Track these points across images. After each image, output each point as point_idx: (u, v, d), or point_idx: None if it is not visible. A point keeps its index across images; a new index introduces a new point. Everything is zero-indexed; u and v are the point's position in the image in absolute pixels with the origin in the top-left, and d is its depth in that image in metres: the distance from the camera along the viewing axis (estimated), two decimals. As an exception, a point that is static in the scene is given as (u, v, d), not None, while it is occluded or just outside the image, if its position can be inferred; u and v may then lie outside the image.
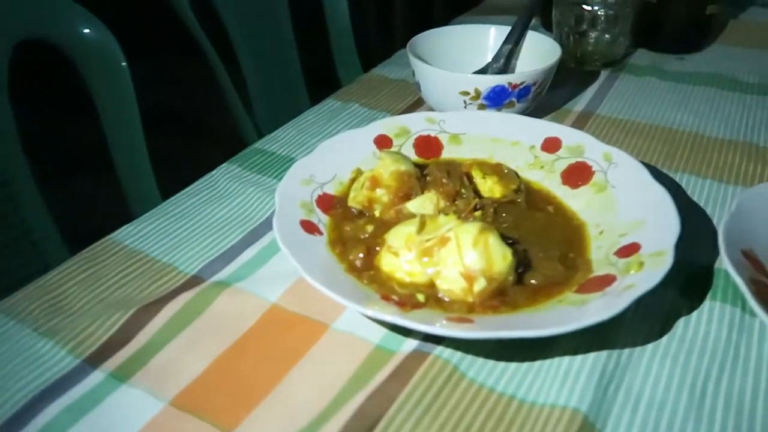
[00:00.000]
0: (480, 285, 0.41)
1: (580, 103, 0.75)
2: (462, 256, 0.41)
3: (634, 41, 0.90)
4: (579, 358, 0.40)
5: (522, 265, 0.44)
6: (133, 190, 0.81)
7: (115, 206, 0.76)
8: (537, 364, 0.40)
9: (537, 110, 0.71)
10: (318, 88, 0.87)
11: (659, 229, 0.44)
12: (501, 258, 0.42)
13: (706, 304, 0.44)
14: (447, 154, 0.58)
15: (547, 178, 0.55)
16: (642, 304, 0.42)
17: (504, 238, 0.46)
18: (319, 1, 1.14)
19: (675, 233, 0.42)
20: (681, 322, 0.43)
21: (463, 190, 0.50)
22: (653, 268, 0.40)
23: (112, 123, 0.79)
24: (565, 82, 0.80)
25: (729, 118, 0.71)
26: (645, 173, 0.50)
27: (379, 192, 0.49)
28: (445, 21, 0.88)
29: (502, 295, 0.42)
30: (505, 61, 0.72)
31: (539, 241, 0.48)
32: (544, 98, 0.74)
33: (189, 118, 1.98)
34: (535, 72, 0.62)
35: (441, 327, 0.37)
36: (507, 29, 0.73)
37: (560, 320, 0.37)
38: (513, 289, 0.43)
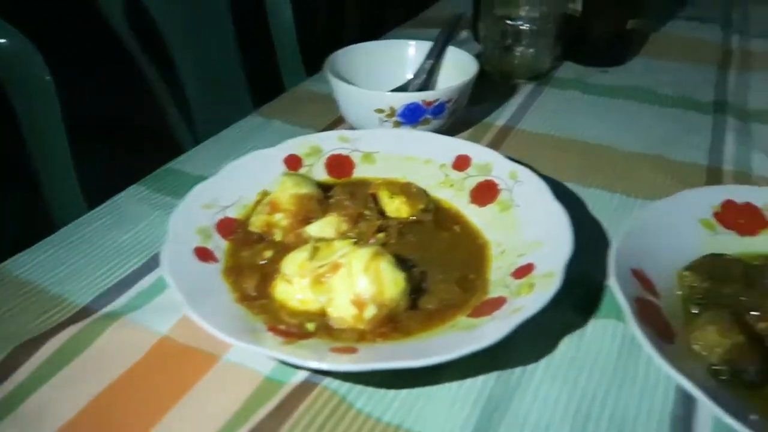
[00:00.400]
0: (370, 312, 0.40)
1: (502, 118, 0.76)
2: (353, 283, 0.41)
3: (563, 54, 0.92)
4: (468, 383, 0.40)
5: (418, 289, 0.44)
6: (60, 209, 0.78)
7: (40, 225, 0.74)
8: (426, 391, 0.39)
9: (457, 125, 0.72)
10: (264, 97, 0.86)
11: (553, 250, 0.44)
12: (393, 284, 0.41)
13: (597, 322, 0.44)
14: (359, 173, 0.58)
15: (456, 197, 0.55)
16: (534, 323, 0.42)
17: (402, 261, 0.45)
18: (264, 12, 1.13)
19: (566, 254, 0.43)
20: (571, 342, 0.43)
21: (366, 212, 0.50)
22: (542, 290, 0.40)
23: (35, 136, 0.76)
24: (490, 96, 0.81)
25: (644, 131, 0.73)
26: (546, 191, 0.50)
27: (277, 216, 0.48)
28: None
29: (393, 322, 0.41)
30: (426, 77, 0.72)
31: (442, 262, 0.48)
32: (465, 112, 0.74)
33: (124, 130, 1.93)
34: (449, 89, 0.62)
35: (313, 359, 0.36)
36: (429, 44, 0.73)
37: (444, 348, 0.37)
38: (406, 315, 0.42)
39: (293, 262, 0.43)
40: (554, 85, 0.85)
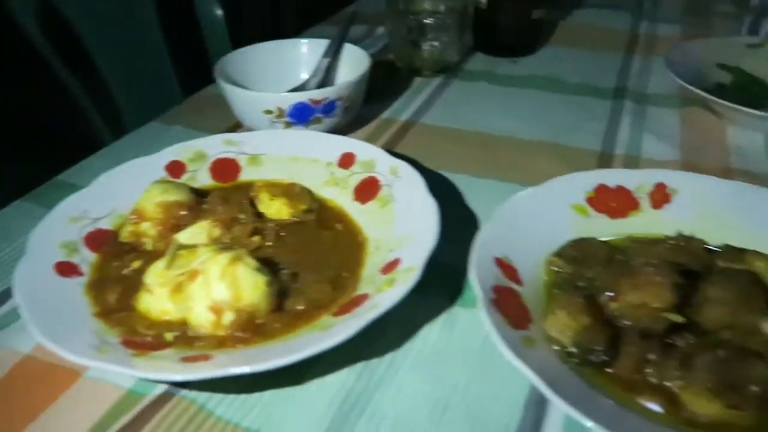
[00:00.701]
0: (228, 318, 0.40)
1: (406, 113, 0.76)
2: (210, 289, 0.40)
3: (474, 46, 0.93)
4: (328, 382, 0.40)
5: (286, 291, 0.44)
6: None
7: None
8: (287, 393, 0.39)
9: (358, 122, 0.72)
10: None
11: (420, 244, 0.44)
12: (251, 288, 0.41)
13: (464, 313, 0.45)
14: (246, 176, 0.57)
15: (340, 195, 0.55)
16: (403, 316, 0.43)
17: (271, 263, 0.45)
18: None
19: (429, 248, 0.43)
20: (439, 333, 0.43)
21: (241, 216, 0.49)
22: (401, 285, 0.40)
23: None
24: (397, 91, 0.81)
25: (546, 120, 0.73)
26: (422, 186, 0.50)
27: (144, 225, 0.47)
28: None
29: (255, 326, 0.41)
30: (324, 75, 0.71)
31: (319, 261, 0.48)
32: (368, 109, 0.74)
33: (38, 137, 1.87)
34: (337, 87, 0.62)
35: (151, 370, 0.36)
36: (326, 42, 0.73)
37: (291, 350, 0.36)
38: (271, 318, 0.42)
39: (154, 272, 0.42)
40: (463, 77, 0.86)
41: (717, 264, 0.44)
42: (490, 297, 0.40)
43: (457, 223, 0.50)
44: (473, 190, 0.60)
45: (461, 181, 0.61)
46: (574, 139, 0.69)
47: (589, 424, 0.31)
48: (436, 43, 0.84)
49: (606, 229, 0.50)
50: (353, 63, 0.71)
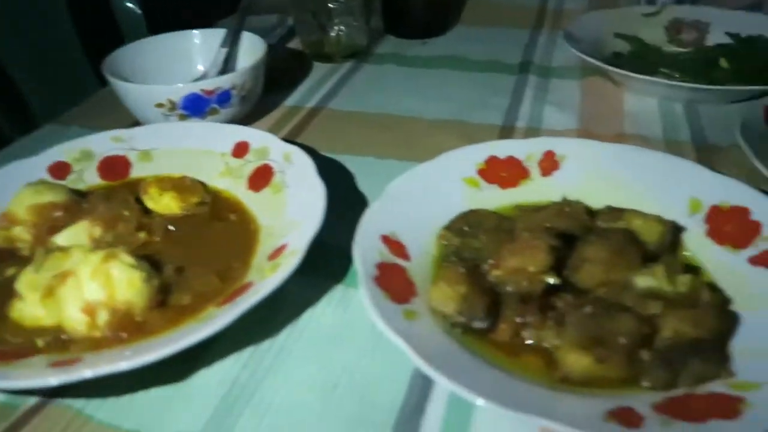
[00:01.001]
0: (102, 317, 0.38)
1: (313, 100, 0.75)
2: (82, 290, 0.39)
3: (385, 29, 0.93)
4: (213, 374, 0.39)
5: (169, 286, 0.42)
6: None
7: None
8: (171, 390, 0.38)
9: (262, 111, 0.70)
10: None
11: (306, 228, 0.43)
12: (127, 285, 0.39)
13: (354, 293, 0.44)
14: (137, 172, 0.55)
15: (235, 185, 0.54)
16: (289, 300, 0.42)
17: (155, 259, 0.44)
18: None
19: (312, 232, 0.42)
20: (323, 315, 0.43)
21: (125, 212, 0.47)
22: (284, 270, 0.40)
23: None
24: (304, 78, 0.80)
25: (451, 98, 0.74)
26: (312, 170, 0.49)
27: (17, 230, 0.45)
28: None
29: (136, 324, 0.40)
30: (223, 66, 0.70)
31: (210, 253, 0.47)
32: (275, 97, 0.73)
33: None
34: (229, 76, 0.61)
35: (13, 378, 0.34)
36: (222, 32, 0.71)
37: (166, 343, 0.35)
38: (152, 315, 0.40)
39: (24, 277, 0.40)
40: (372, 61, 0.85)
41: (598, 225, 0.45)
42: (371, 274, 0.39)
43: (353, 206, 0.50)
44: (374, 172, 0.59)
45: (363, 164, 0.61)
46: (478, 115, 0.70)
47: (463, 392, 0.31)
48: (342, 28, 0.83)
49: (498, 199, 0.50)
50: (253, 51, 0.69)
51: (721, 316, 0.36)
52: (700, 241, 0.45)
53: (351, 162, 0.61)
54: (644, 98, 0.71)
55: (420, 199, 0.48)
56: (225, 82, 0.60)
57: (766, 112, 0.56)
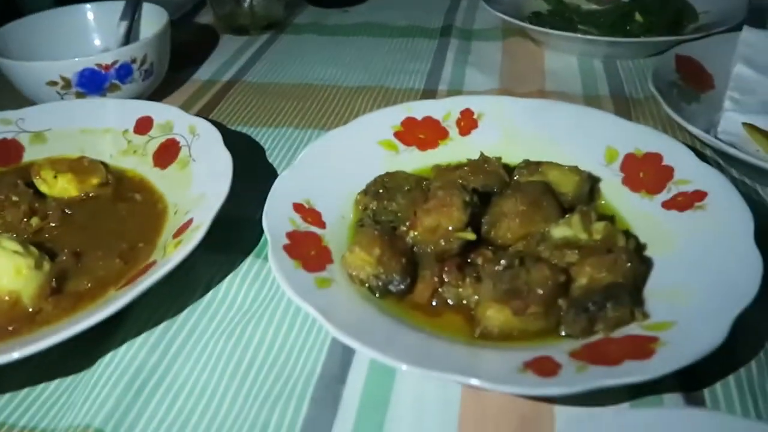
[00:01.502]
0: (-15, 310, 0.35)
1: (229, 73, 0.71)
2: (-40, 283, 0.35)
3: (306, -1, 0.89)
4: (119, 361, 0.36)
5: (66, 272, 0.39)
6: None
7: None
8: (73, 381, 0.35)
9: (173, 87, 0.67)
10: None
11: (211, 202, 0.41)
12: (12, 273, 0.36)
13: (261, 265, 0.42)
14: (31, 156, 0.51)
15: (140, 163, 0.50)
16: (197, 279, 0.40)
17: (49, 246, 0.40)
18: None
19: (217, 205, 0.40)
20: (235, 289, 0.41)
21: (14, 197, 0.43)
22: (187, 246, 0.37)
23: None
24: (222, 52, 0.77)
25: (372, 64, 0.72)
26: (218, 142, 0.46)
27: None
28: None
29: (28, 314, 0.36)
30: (124, 40, 0.65)
31: (113, 236, 0.43)
32: (189, 72, 0.70)
33: None
34: (128, 48, 0.57)
35: None
36: (120, 5, 0.66)
37: (58, 331, 0.32)
38: (47, 303, 0.37)
39: None
40: (291, 32, 0.82)
41: (515, 179, 0.44)
42: (281, 243, 0.37)
43: (267, 178, 0.47)
44: (291, 143, 0.57)
45: (280, 135, 0.58)
46: (399, 80, 0.68)
47: (379, 356, 0.30)
48: (258, -1, 0.79)
49: (417, 161, 0.49)
50: (157, 23, 0.65)
51: (635, 261, 0.36)
52: (616, 189, 0.44)
53: (267, 134, 0.58)
54: (564, 56, 0.71)
55: (335, 165, 0.46)
56: (122, 55, 0.56)
57: (677, 62, 0.57)
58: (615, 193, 0.44)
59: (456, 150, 0.49)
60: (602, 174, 0.46)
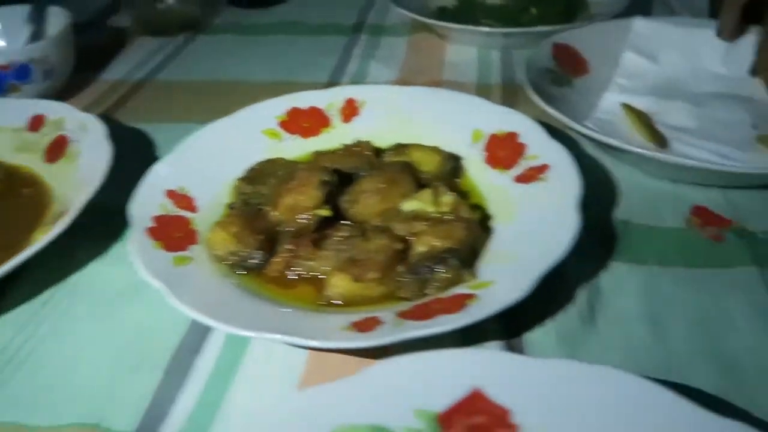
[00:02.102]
0: None
1: (139, 73, 0.73)
2: None
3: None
4: (-17, 345, 0.38)
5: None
6: None
7: None
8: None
9: (80, 87, 0.68)
10: None
11: (85, 192, 0.43)
12: None
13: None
14: (-76, 157, 0.52)
15: (31, 159, 0.52)
16: (68, 265, 0.42)
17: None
18: None
19: (88, 195, 0.42)
20: (104, 274, 0.43)
21: None
22: (51, 233, 0.39)
23: None
24: (136, 53, 0.78)
25: (283, 62, 0.74)
26: (103, 136, 0.48)
27: None
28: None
29: None
30: (30, 42, 0.66)
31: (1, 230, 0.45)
32: (100, 73, 0.72)
33: None
34: (27, 49, 0.58)
35: None
36: (24, 8, 0.68)
37: None
38: None
39: None
40: (209, 32, 0.84)
41: (383, 161, 0.47)
42: (145, 225, 0.39)
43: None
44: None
45: (184, 131, 0.59)
46: (305, 75, 0.70)
47: (205, 320, 0.32)
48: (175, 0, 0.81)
49: (300, 148, 0.51)
50: (62, 25, 0.66)
51: (472, 229, 0.39)
52: (479, 167, 0.47)
53: (168, 130, 0.60)
54: (466, 49, 0.74)
55: (215, 154, 0.48)
56: (19, 55, 0.57)
57: (555, 49, 0.60)
58: (477, 171, 0.47)
59: (338, 136, 0.52)
60: (468, 153, 0.49)
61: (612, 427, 0.26)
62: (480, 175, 0.47)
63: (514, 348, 0.36)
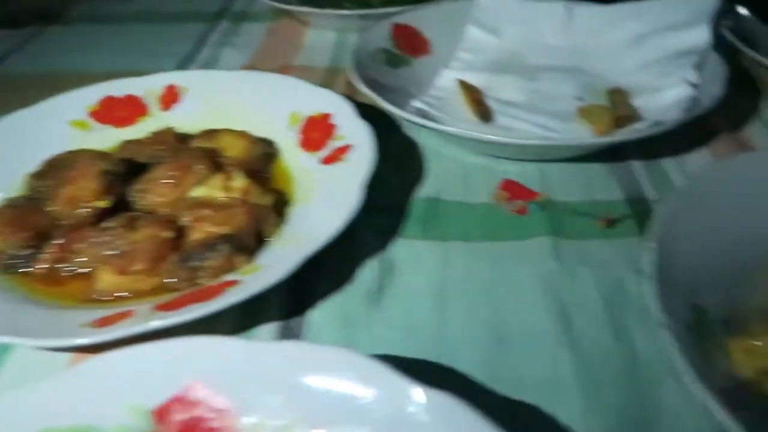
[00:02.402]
0: None
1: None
2: None
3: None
4: None
5: None
6: None
7: None
8: None
9: None
10: None
11: None
12: None
13: None
14: None
15: None
16: None
17: None
18: None
19: None
20: None
21: None
22: None
23: None
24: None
25: (131, 51, 0.71)
26: None
27: None
28: None
29: None
30: None
31: None
32: None
33: None
34: None
35: None
36: None
37: None
38: None
39: None
40: (63, 22, 0.80)
41: (189, 147, 0.45)
42: None
43: None
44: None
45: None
46: (152, 64, 0.66)
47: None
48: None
49: (112, 138, 0.49)
50: None
51: (255, 213, 0.37)
52: (293, 150, 0.46)
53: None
54: (325, 33, 0.73)
55: (10, 148, 0.45)
56: None
57: (394, 30, 0.59)
58: (291, 154, 0.46)
59: (156, 125, 0.49)
60: (285, 136, 0.47)
61: (334, 408, 0.25)
62: (293, 158, 0.46)
63: (293, 329, 0.34)
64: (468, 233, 0.41)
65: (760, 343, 0.26)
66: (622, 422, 0.29)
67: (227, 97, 0.50)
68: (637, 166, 0.47)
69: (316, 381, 0.25)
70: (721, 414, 0.23)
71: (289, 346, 0.26)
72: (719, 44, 0.53)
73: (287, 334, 0.34)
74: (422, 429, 0.24)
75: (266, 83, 0.50)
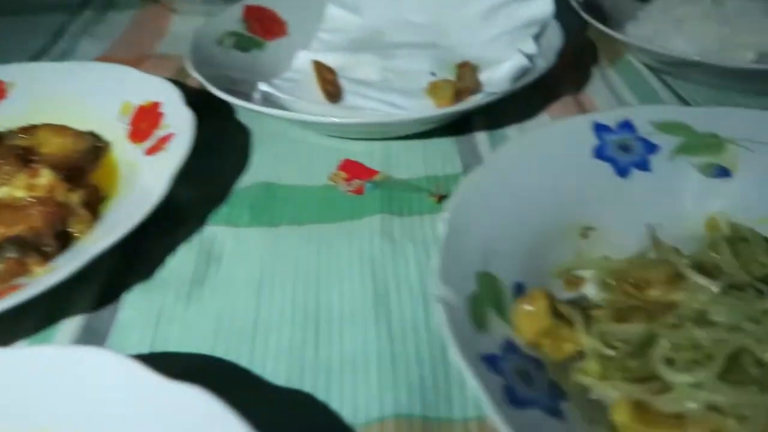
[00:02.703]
0: None
1: None
2: None
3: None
4: None
5: None
6: None
7: None
8: None
9: None
10: None
11: None
12: None
13: None
14: None
15: None
16: None
17: None
18: None
19: None
20: None
21: None
22: None
23: None
24: None
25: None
26: None
27: None
28: None
29: None
30: None
31: None
32: None
33: None
34: None
35: None
36: None
37: None
38: None
39: None
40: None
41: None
42: None
43: None
44: None
45: None
46: (2, 60, 0.63)
47: None
48: None
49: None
50: None
51: (54, 213, 0.35)
52: (122, 142, 0.44)
53: None
54: (192, 19, 0.69)
55: None
56: None
57: (246, 11, 0.57)
58: (120, 147, 0.44)
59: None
60: (115, 128, 0.45)
61: (84, 410, 0.24)
62: (122, 150, 0.43)
63: (98, 330, 0.33)
64: (301, 216, 0.40)
65: (532, 308, 0.26)
66: (412, 394, 0.28)
67: (56, 91, 0.48)
68: (482, 137, 0.47)
69: (65, 384, 0.24)
70: (472, 382, 0.23)
71: (43, 350, 0.25)
72: (569, 14, 0.54)
73: (89, 335, 0.32)
74: (173, 424, 0.23)
75: (96, 73, 0.48)
